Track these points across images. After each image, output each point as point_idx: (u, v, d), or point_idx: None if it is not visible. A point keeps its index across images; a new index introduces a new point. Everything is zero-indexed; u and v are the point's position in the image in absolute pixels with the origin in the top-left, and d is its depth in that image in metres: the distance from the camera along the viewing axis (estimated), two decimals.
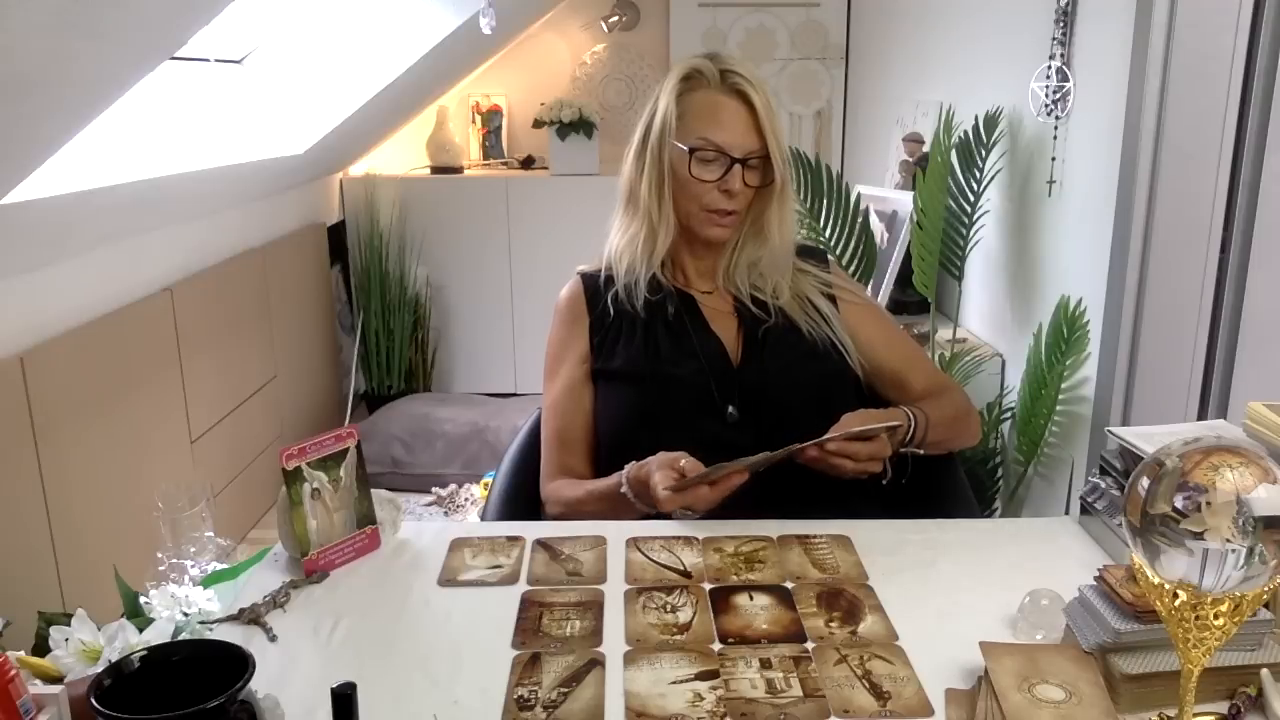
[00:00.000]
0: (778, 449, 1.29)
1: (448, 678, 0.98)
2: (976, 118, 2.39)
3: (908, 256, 2.59)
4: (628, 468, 1.34)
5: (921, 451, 1.42)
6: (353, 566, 1.21)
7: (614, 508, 1.36)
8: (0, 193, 1.63)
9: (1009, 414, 2.41)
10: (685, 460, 1.27)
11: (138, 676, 0.81)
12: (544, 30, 4.29)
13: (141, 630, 0.98)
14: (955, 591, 1.14)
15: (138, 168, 2.13)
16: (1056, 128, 2.23)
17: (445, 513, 3.28)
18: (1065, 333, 2.13)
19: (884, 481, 1.42)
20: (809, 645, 1.03)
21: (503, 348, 4.16)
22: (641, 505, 1.33)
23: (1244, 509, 0.73)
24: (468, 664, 1.00)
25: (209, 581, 1.13)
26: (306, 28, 2.87)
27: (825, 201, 2.52)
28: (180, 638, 0.99)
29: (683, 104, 1.42)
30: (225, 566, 1.17)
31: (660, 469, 1.27)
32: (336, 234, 3.99)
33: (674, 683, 0.96)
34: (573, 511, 1.40)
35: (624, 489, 1.33)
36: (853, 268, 2.52)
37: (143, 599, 1.04)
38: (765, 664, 0.99)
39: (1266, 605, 0.91)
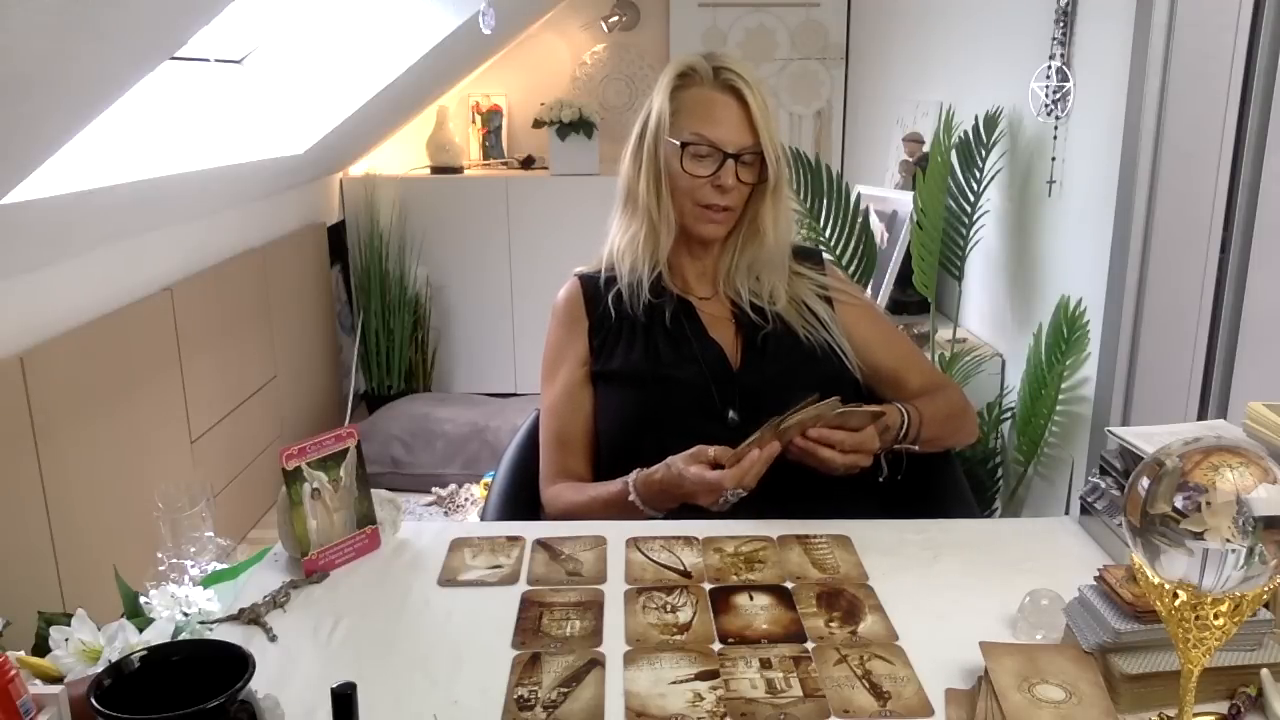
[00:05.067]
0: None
1: (448, 678, 0.98)
2: (976, 118, 2.39)
3: (908, 256, 2.59)
4: (634, 476, 1.35)
5: (916, 448, 1.42)
6: (353, 566, 1.21)
7: (619, 514, 1.36)
8: (0, 193, 1.63)
9: (1009, 414, 2.41)
10: (714, 450, 1.28)
11: (138, 676, 0.81)
12: (544, 30, 4.29)
13: (141, 630, 0.98)
14: (955, 591, 1.14)
15: (138, 168, 2.13)
16: (1056, 128, 2.23)
17: (445, 513, 3.28)
18: (1065, 333, 2.13)
19: (880, 479, 1.42)
20: (809, 645, 1.03)
21: (503, 348, 4.16)
22: (651, 511, 1.34)
23: (1244, 509, 0.73)
24: (468, 664, 1.00)
25: (209, 581, 1.13)
26: (306, 28, 2.87)
27: (825, 201, 2.52)
28: (180, 638, 0.99)
29: (676, 101, 1.42)
30: (225, 566, 1.17)
31: (690, 463, 1.28)
32: (336, 234, 3.99)
33: (674, 683, 0.96)
34: (575, 517, 1.40)
35: (632, 497, 1.34)
36: (853, 268, 2.52)
37: (143, 599, 1.04)
38: (765, 664, 0.99)
39: (1266, 605, 0.91)
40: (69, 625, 0.96)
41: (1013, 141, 2.47)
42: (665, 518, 1.34)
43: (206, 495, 1.15)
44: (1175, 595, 0.77)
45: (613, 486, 1.38)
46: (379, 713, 0.91)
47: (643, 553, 1.23)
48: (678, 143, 1.41)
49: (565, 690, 0.95)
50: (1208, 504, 0.73)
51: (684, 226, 1.46)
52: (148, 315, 2.43)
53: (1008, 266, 2.56)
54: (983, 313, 2.75)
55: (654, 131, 1.43)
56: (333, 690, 0.78)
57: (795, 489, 1.36)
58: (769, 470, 1.30)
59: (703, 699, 0.94)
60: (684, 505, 1.34)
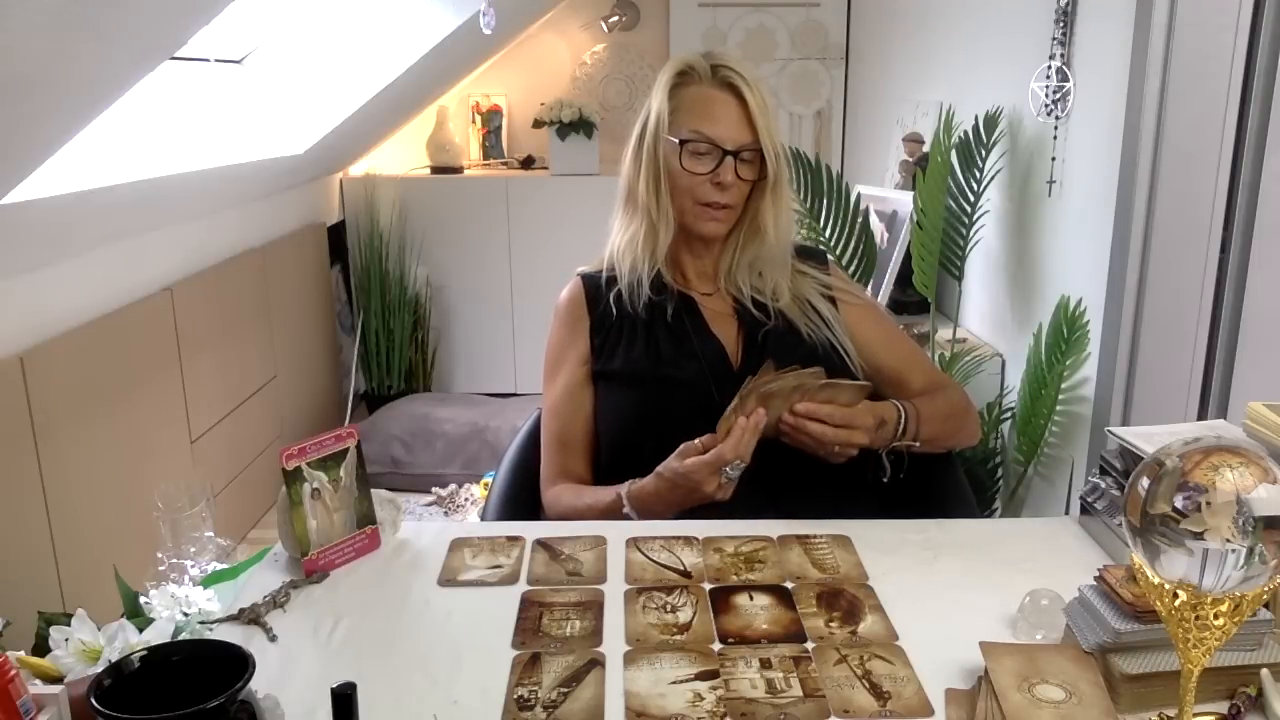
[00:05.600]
0: (771, 439, 1.31)
1: (448, 678, 0.98)
2: (976, 118, 2.39)
3: (908, 256, 2.59)
4: (626, 489, 1.35)
5: (917, 445, 1.42)
6: (353, 566, 1.21)
7: (611, 517, 1.36)
8: (0, 193, 1.63)
9: (1009, 414, 2.41)
10: (699, 440, 1.29)
11: (138, 676, 0.81)
12: (544, 30, 4.29)
13: (141, 630, 0.98)
14: (955, 591, 1.14)
15: (138, 168, 2.13)
16: (1056, 128, 2.23)
17: (445, 513, 3.28)
18: (1065, 333, 2.13)
19: (884, 479, 1.42)
20: (809, 645, 1.03)
21: (503, 348, 4.16)
22: (647, 520, 1.34)
23: (1244, 509, 0.73)
24: (468, 664, 1.00)
25: (209, 581, 1.13)
26: (306, 28, 2.87)
27: (825, 201, 2.52)
28: (180, 638, 0.99)
29: (675, 99, 1.42)
30: (225, 566, 1.17)
31: (684, 456, 1.28)
32: (336, 234, 3.99)
33: (674, 683, 0.96)
34: (578, 518, 1.41)
35: (626, 509, 1.34)
36: (853, 268, 2.52)
37: (143, 599, 1.04)
38: (765, 664, 0.99)
39: (1266, 605, 0.91)
40: (69, 625, 0.95)
41: (1013, 141, 2.47)
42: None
43: (206, 495, 1.15)
44: (1175, 595, 0.77)
45: (606, 496, 1.38)
46: (379, 713, 0.91)
47: (643, 553, 1.23)
48: (676, 141, 1.41)
49: (565, 690, 0.95)
50: (1208, 504, 0.73)
51: (684, 225, 1.46)
52: (148, 315, 2.43)
53: (1008, 266, 2.56)
54: (983, 313, 2.75)
55: (653, 130, 1.43)
56: (333, 690, 0.78)
57: (795, 485, 1.36)
58: (768, 465, 1.30)
59: (703, 699, 0.94)
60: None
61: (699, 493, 1.29)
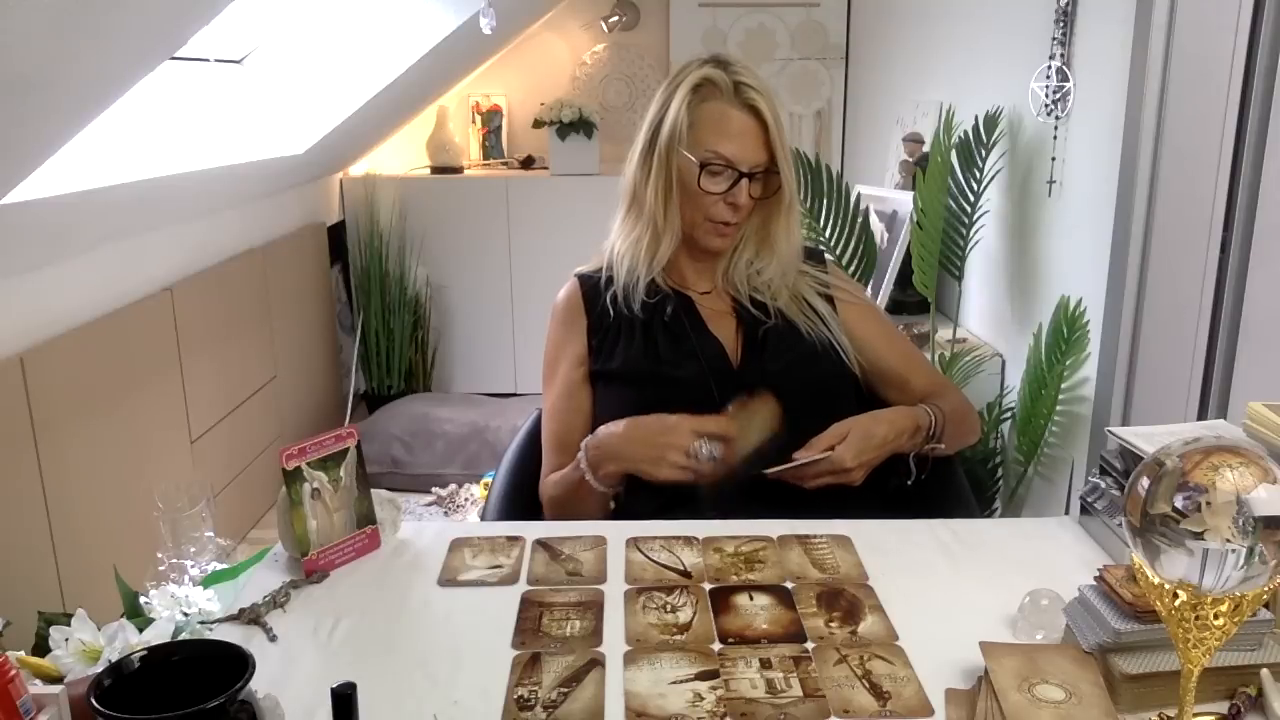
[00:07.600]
0: (775, 452, 1.31)
1: (448, 678, 0.98)
2: (976, 118, 2.39)
3: (908, 256, 2.59)
4: (585, 443, 1.37)
5: (942, 447, 1.43)
6: (353, 566, 1.21)
7: (574, 491, 1.38)
8: (0, 193, 1.63)
9: (1009, 414, 2.41)
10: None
11: (138, 676, 0.81)
12: (544, 30, 4.29)
13: (141, 630, 0.98)
14: (955, 591, 1.14)
15: (138, 168, 2.13)
16: (1056, 128, 2.23)
17: (445, 513, 3.28)
18: (1065, 333, 2.13)
19: (909, 482, 1.42)
20: (809, 645, 1.03)
21: (503, 348, 4.16)
22: (596, 481, 1.35)
23: (1244, 509, 0.73)
24: (468, 664, 1.00)
25: (209, 581, 1.13)
26: (306, 28, 2.87)
27: (825, 201, 2.52)
28: (180, 638, 0.99)
29: (693, 114, 1.41)
30: (225, 566, 1.17)
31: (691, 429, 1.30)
32: (336, 234, 3.99)
33: (674, 683, 0.96)
34: (558, 501, 1.43)
35: (580, 454, 1.36)
36: (853, 268, 2.52)
37: (143, 599, 1.04)
38: (765, 664, 0.99)
39: (1266, 605, 0.91)
40: (69, 625, 0.95)
41: (1013, 141, 2.47)
42: (660, 516, 1.34)
43: (206, 495, 1.15)
44: (1175, 595, 0.77)
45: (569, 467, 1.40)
46: (379, 713, 0.91)
47: (643, 553, 1.23)
48: (696, 161, 1.40)
49: (565, 690, 0.95)
50: (1208, 504, 0.73)
51: (690, 237, 1.47)
52: (148, 315, 2.43)
53: (1008, 266, 2.56)
54: (983, 313, 2.75)
55: (667, 141, 1.41)
56: (333, 690, 0.78)
57: (795, 486, 1.36)
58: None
59: (703, 699, 0.94)
60: (680, 505, 1.34)
61: (665, 455, 1.30)
